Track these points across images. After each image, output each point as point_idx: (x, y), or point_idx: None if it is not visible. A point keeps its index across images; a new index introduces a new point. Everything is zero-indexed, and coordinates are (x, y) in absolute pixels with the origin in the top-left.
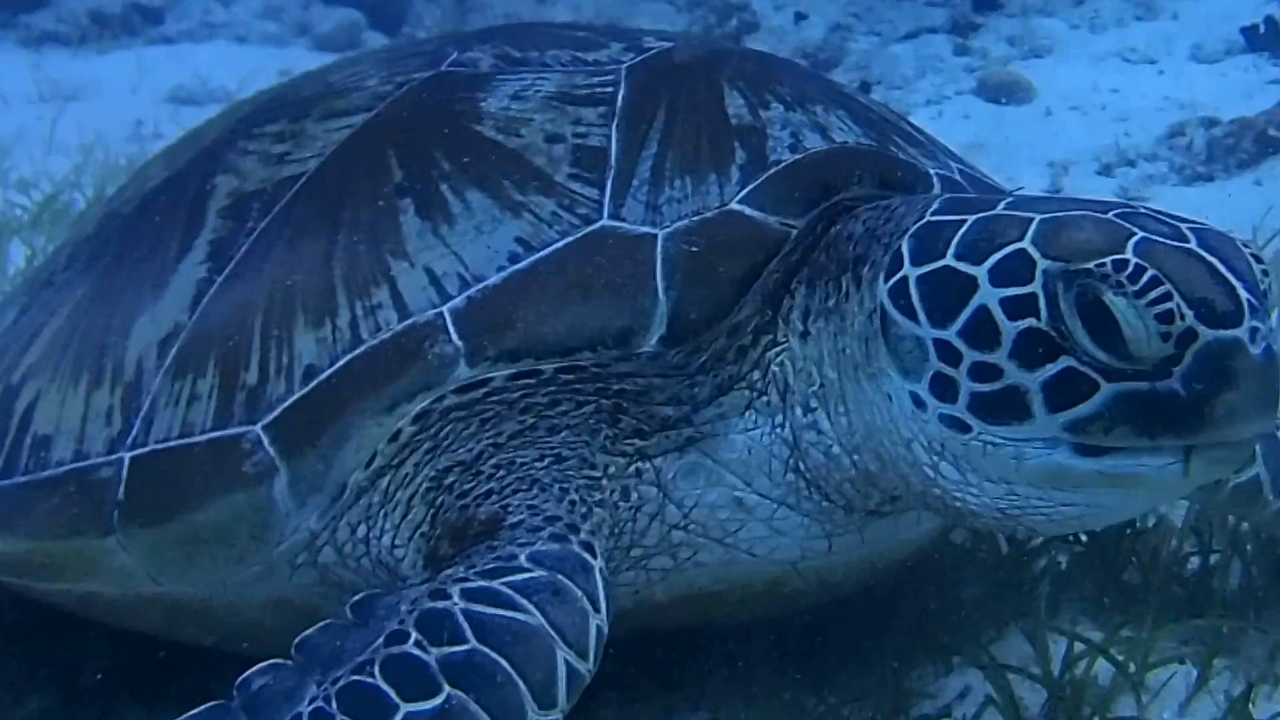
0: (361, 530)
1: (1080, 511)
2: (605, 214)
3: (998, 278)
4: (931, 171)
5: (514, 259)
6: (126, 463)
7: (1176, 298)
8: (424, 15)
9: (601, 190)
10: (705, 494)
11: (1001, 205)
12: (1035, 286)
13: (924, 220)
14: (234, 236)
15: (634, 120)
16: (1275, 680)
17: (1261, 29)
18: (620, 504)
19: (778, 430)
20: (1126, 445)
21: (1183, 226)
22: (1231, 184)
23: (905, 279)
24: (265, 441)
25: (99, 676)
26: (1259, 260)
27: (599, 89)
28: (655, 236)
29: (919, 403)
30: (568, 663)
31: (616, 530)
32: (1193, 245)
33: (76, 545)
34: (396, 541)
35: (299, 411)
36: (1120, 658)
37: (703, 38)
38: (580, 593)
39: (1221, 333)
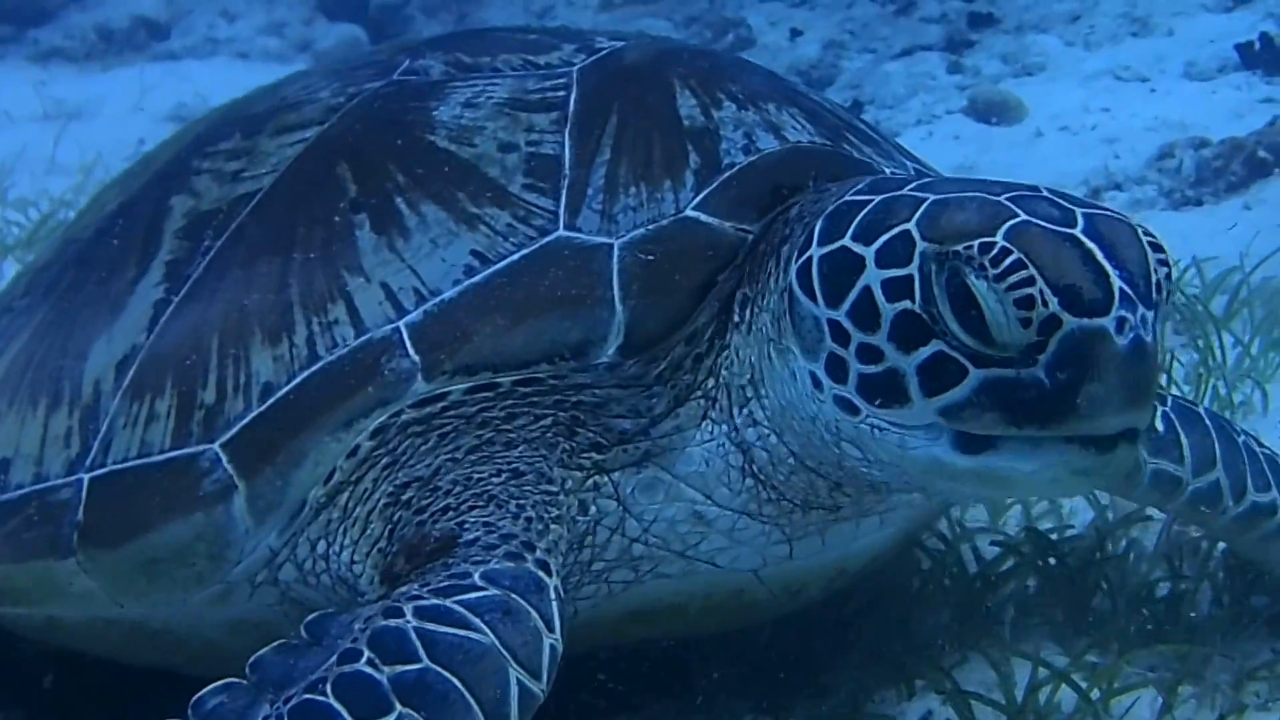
0: (321, 547)
1: (974, 495)
2: (561, 225)
3: (882, 259)
4: (887, 170)
5: (470, 272)
6: (85, 484)
7: (1040, 283)
8: (424, 31)
9: (556, 200)
10: (664, 509)
11: (910, 185)
12: (912, 269)
13: (841, 200)
14: (190, 257)
15: (586, 126)
16: (1241, 710)
17: (1256, 46)
18: (579, 518)
19: (731, 436)
20: (999, 434)
21: (1078, 211)
22: (1220, 208)
23: (810, 259)
24: (223, 460)
25: (58, 694)
26: (1159, 249)
27: (550, 94)
28: (611, 246)
29: (816, 382)
30: (520, 682)
31: (576, 544)
32: (1075, 231)
33: (37, 568)
34: (355, 558)
35: (257, 429)
36: (1084, 684)
37: (653, 37)
38: (534, 612)
39: (1085, 321)
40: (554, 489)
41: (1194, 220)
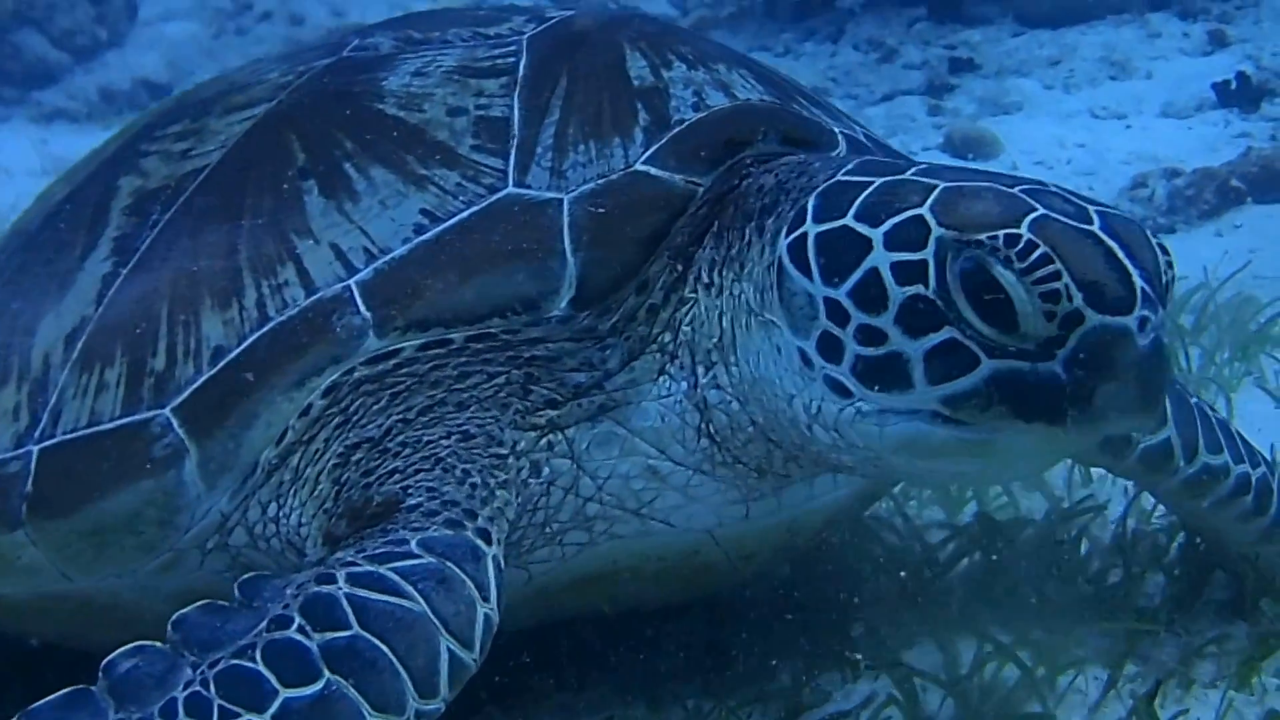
0: (272, 509)
1: (944, 477)
2: (510, 182)
3: (891, 241)
4: (836, 130)
5: (420, 230)
6: (35, 455)
7: (1066, 278)
8: None
9: (505, 159)
10: (619, 464)
11: (911, 171)
12: (926, 253)
13: (834, 179)
14: (138, 231)
15: (536, 88)
16: (1187, 682)
17: (1233, 84)
18: (531, 480)
19: (689, 395)
20: (1003, 425)
21: (1090, 209)
22: (1192, 235)
23: (805, 235)
24: (174, 424)
25: None
26: (1165, 252)
27: (500, 60)
28: (561, 201)
29: (806, 360)
30: (451, 652)
31: (530, 507)
32: (1094, 228)
33: None
34: (303, 519)
35: (208, 392)
36: (1029, 662)
37: (604, 5)
38: (469, 581)
39: (1109, 318)
40: (504, 451)
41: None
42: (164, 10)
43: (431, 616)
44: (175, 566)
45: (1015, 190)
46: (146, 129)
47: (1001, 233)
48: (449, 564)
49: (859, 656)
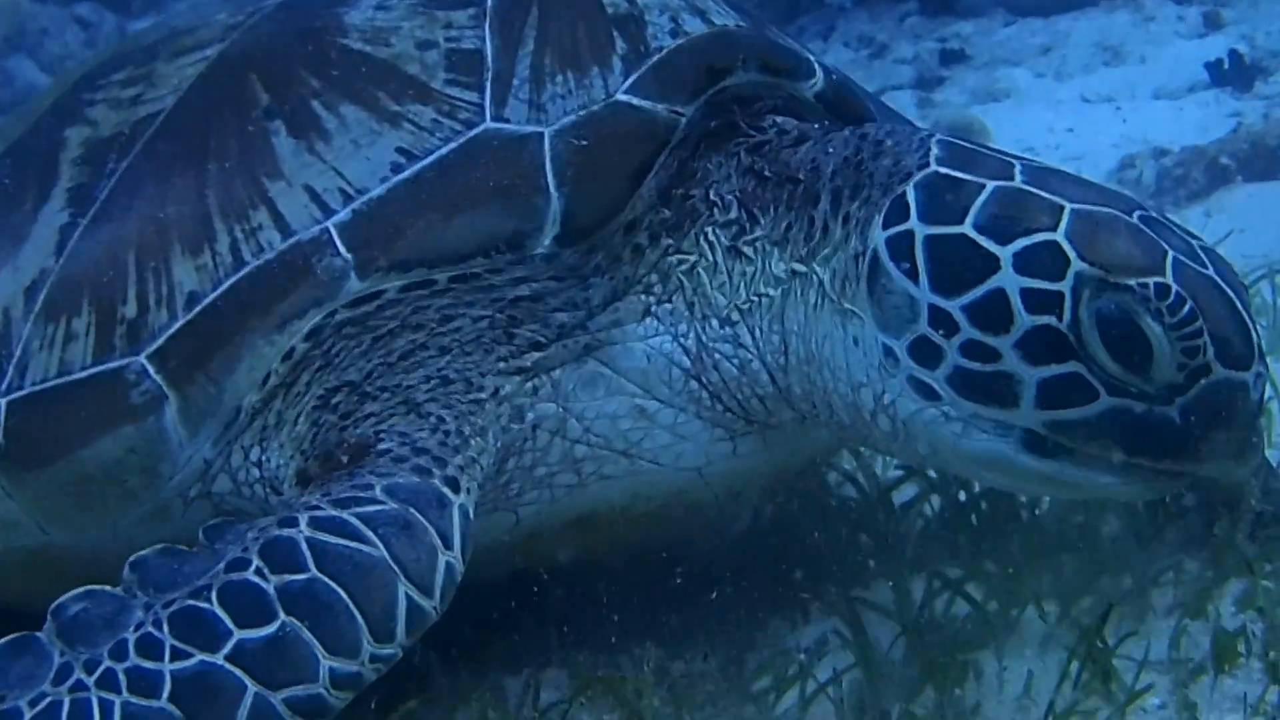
0: (255, 453)
1: (1001, 486)
2: (488, 117)
3: (1023, 265)
4: (812, 59)
5: (397, 169)
6: (2, 407)
7: (1205, 334)
8: None
9: (481, 93)
10: (605, 404)
11: (1019, 175)
12: (1064, 286)
13: (932, 170)
14: (94, 180)
15: (507, 19)
16: (1143, 611)
17: (1226, 64)
18: (513, 425)
19: (680, 339)
20: (1099, 454)
21: (1194, 244)
22: (1180, 215)
23: (910, 234)
24: (151, 370)
25: None
26: (1245, 287)
27: None
28: (542, 135)
29: (891, 357)
30: (409, 598)
31: (516, 451)
32: (1213, 274)
33: None
34: (281, 461)
35: (185, 337)
36: (981, 597)
37: None
38: (432, 528)
39: (1233, 374)
40: (483, 397)
41: None
42: None
43: (391, 563)
44: (157, 518)
45: (1137, 221)
46: (86, 79)
47: (1152, 282)
48: (412, 510)
49: (807, 597)
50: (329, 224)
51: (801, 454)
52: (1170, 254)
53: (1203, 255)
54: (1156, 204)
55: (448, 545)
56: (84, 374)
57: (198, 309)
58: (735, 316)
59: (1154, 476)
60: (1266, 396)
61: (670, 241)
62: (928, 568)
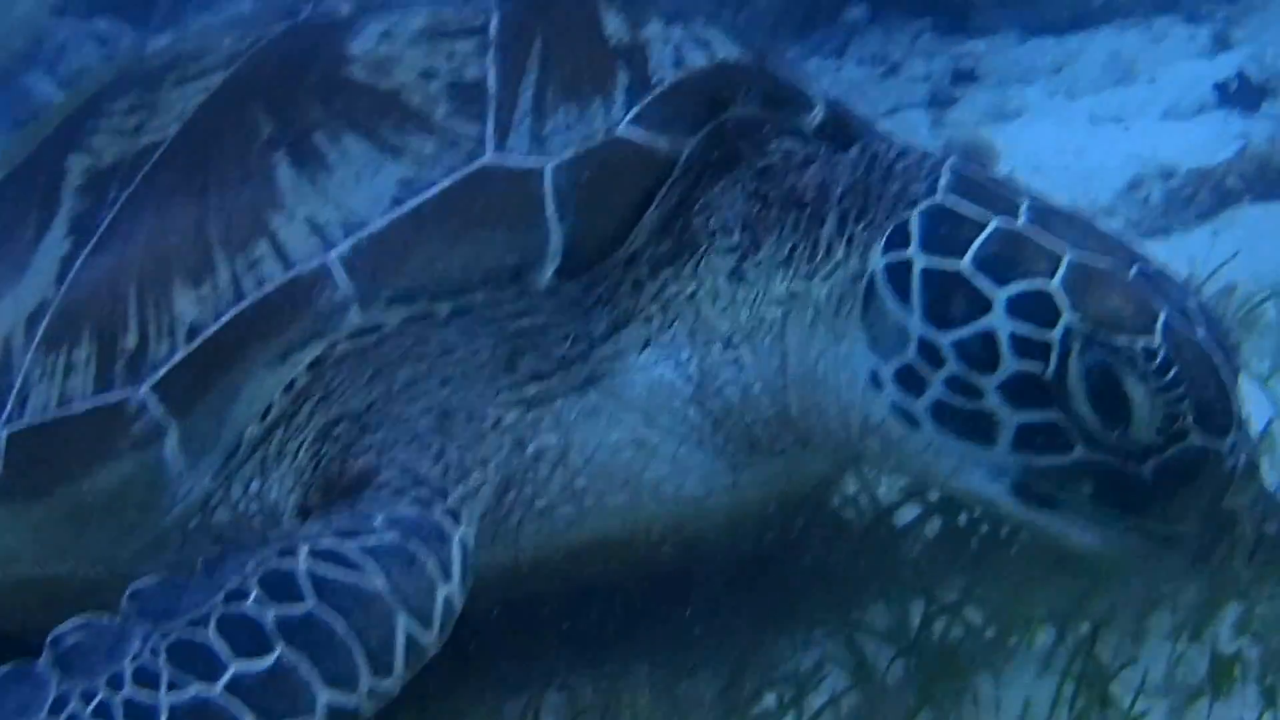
0: (255, 485)
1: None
2: (489, 149)
3: (1016, 310)
4: (814, 92)
5: (398, 202)
6: (3, 440)
7: (1187, 399)
8: None
9: (483, 125)
10: (607, 435)
11: (1024, 217)
12: (1053, 336)
13: (938, 200)
14: (96, 210)
15: (510, 49)
16: (1142, 634)
17: (1234, 85)
18: (514, 457)
19: (682, 367)
20: (1068, 502)
21: (1188, 303)
22: (1189, 237)
23: (909, 263)
24: (151, 402)
25: None
26: (1237, 350)
27: (470, 20)
28: (544, 167)
29: (876, 381)
30: (408, 630)
31: (517, 481)
32: (1202, 337)
33: None
34: (281, 492)
35: (186, 368)
36: (981, 620)
37: None
38: (432, 561)
39: (1210, 441)
40: (484, 428)
41: (1161, 248)
42: None
43: (391, 594)
44: (157, 549)
45: (1134, 276)
46: (89, 105)
47: (1140, 343)
48: (413, 542)
49: (807, 620)
50: (330, 256)
51: (803, 485)
52: (1162, 314)
53: (1195, 316)
54: (1165, 223)
55: (448, 577)
56: (85, 405)
57: (199, 340)
58: (737, 339)
59: (1128, 534)
60: (1243, 462)
61: (670, 271)
62: (927, 590)
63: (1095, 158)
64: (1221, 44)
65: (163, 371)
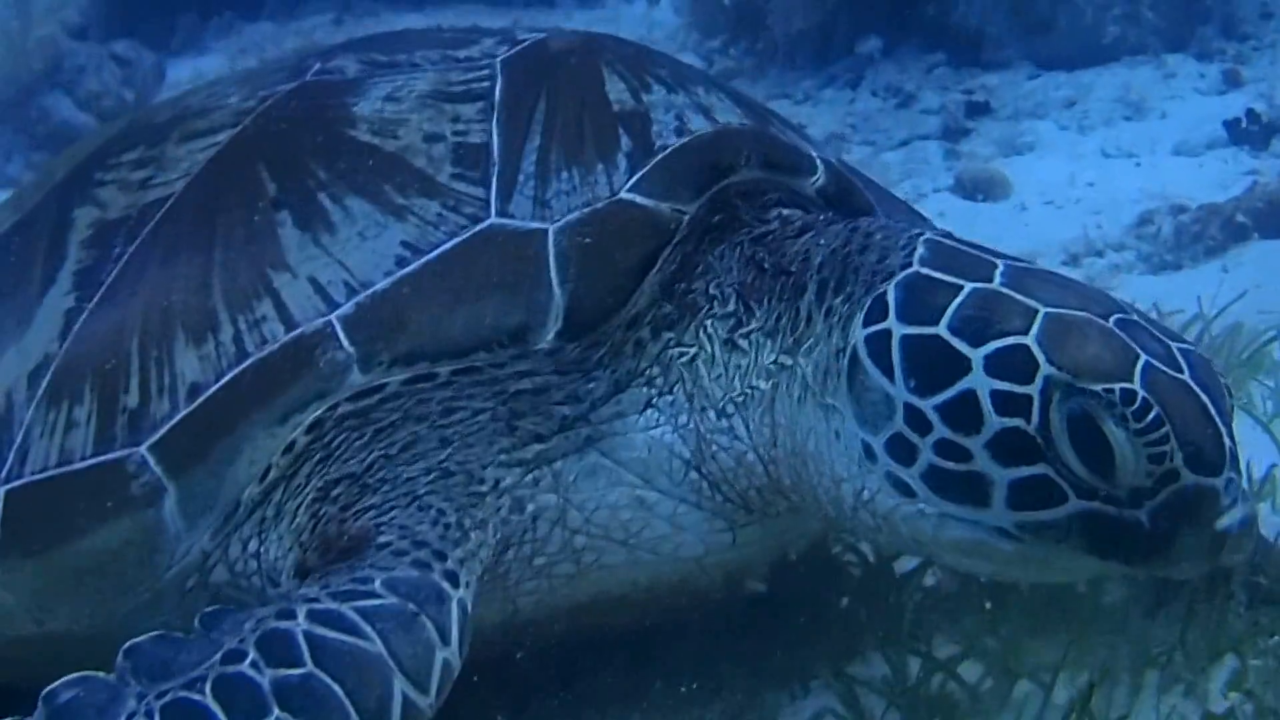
0: (253, 545)
1: (985, 573)
2: (493, 212)
3: (994, 368)
4: (814, 155)
5: (402, 263)
6: (2, 497)
7: (1172, 440)
8: None
9: (487, 188)
10: (606, 494)
11: (999, 279)
12: (1033, 390)
13: (914, 270)
14: (101, 264)
15: (514, 113)
16: (1137, 688)
17: (1243, 122)
18: (513, 517)
19: (681, 430)
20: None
21: (1174, 348)
22: (1198, 272)
23: (888, 333)
24: (151, 462)
25: None
26: (1229, 391)
27: (475, 84)
28: (546, 231)
29: (869, 453)
30: (405, 694)
31: (516, 541)
32: (1187, 377)
33: None
34: (280, 552)
35: (186, 428)
36: (983, 669)
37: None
38: (430, 624)
39: (1203, 480)
40: (484, 489)
41: (1171, 284)
42: (192, 72)
43: (388, 658)
44: (154, 607)
45: (1113, 326)
46: (97, 156)
47: (1118, 388)
48: (411, 605)
49: (805, 671)
50: (333, 316)
51: (800, 543)
52: (1142, 359)
53: (1180, 359)
54: (1174, 259)
55: (445, 641)
56: (84, 464)
57: (199, 400)
58: (730, 409)
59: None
60: (1242, 500)
61: (672, 335)
62: (925, 641)
63: (1106, 192)
64: (1232, 81)
65: (163, 430)
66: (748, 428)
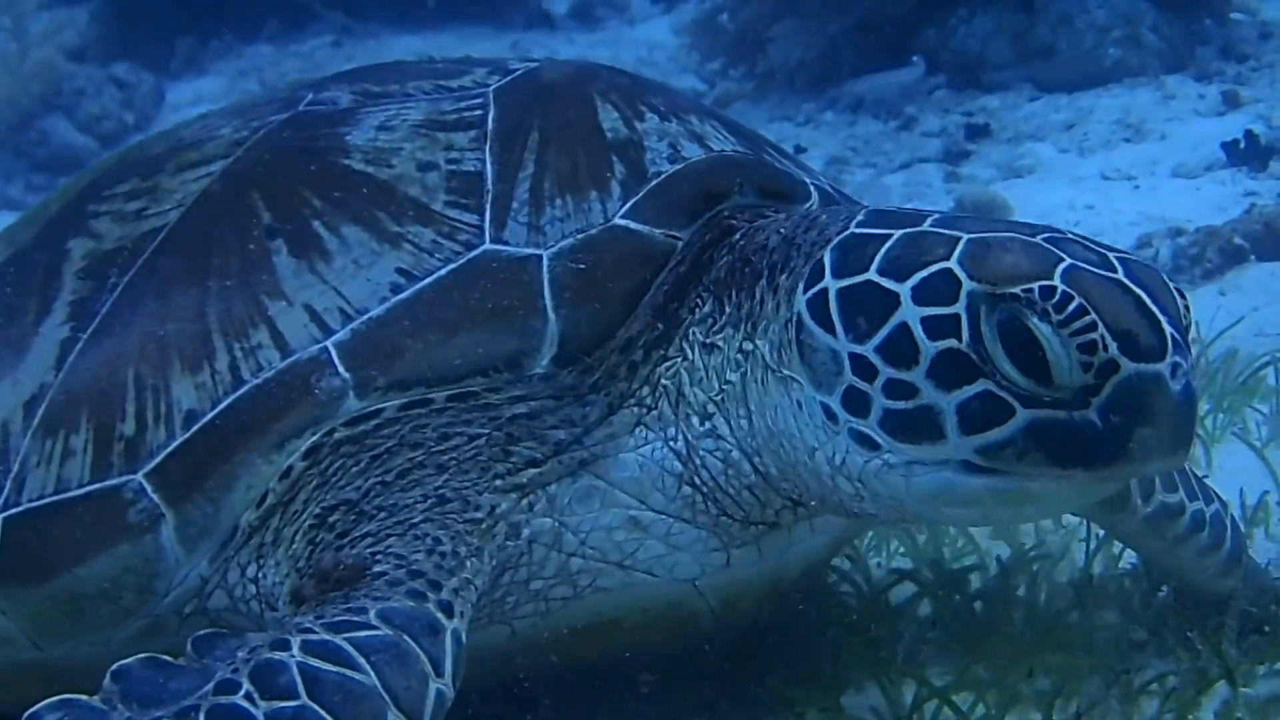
0: (251, 570)
1: (971, 522)
2: (487, 239)
3: (920, 296)
4: (808, 181)
5: (397, 290)
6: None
7: (1101, 328)
8: None
9: (481, 215)
10: (600, 516)
11: (928, 222)
12: (958, 307)
13: (848, 232)
14: (96, 295)
15: (507, 142)
16: (1126, 716)
17: (1241, 144)
18: (509, 543)
19: (670, 444)
20: (1037, 472)
21: (1111, 255)
22: (1195, 295)
23: (825, 291)
24: (149, 489)
25: None
26: (1182, 296)
27: (468, 113)
28: (540, 257)
29: (830, 415)
30: None
31: (512, 565)
32: (1120, 276)
33: None
34: (277, 578)
35: (183, 456)
36: (972, 699)
37: (569, 60)
38: (424, 655)
39: (1144, 366)
40: (479, 516)
41: None
42: (192, 95)
43: (382, 691)
44: (152, 633)
45: (1038, 239)
46: (91, 188)
47: (1036, 285)
48: (405, 637)
49: (799, 700)
50: (328, 343)
51: (796, 565)
52: (1065, 261)
53: (1116, 264)
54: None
55: (439, 673)
56: (81, 491)
57: (196, 428)
58: (711, 409)
59: (1095, 481)
60: (1196, 388)
61: (661, 353)
62: (919, 671)
63: (1105, 214)
64: (1231, 102)
65: (160, 458)
66: (729, 425)
